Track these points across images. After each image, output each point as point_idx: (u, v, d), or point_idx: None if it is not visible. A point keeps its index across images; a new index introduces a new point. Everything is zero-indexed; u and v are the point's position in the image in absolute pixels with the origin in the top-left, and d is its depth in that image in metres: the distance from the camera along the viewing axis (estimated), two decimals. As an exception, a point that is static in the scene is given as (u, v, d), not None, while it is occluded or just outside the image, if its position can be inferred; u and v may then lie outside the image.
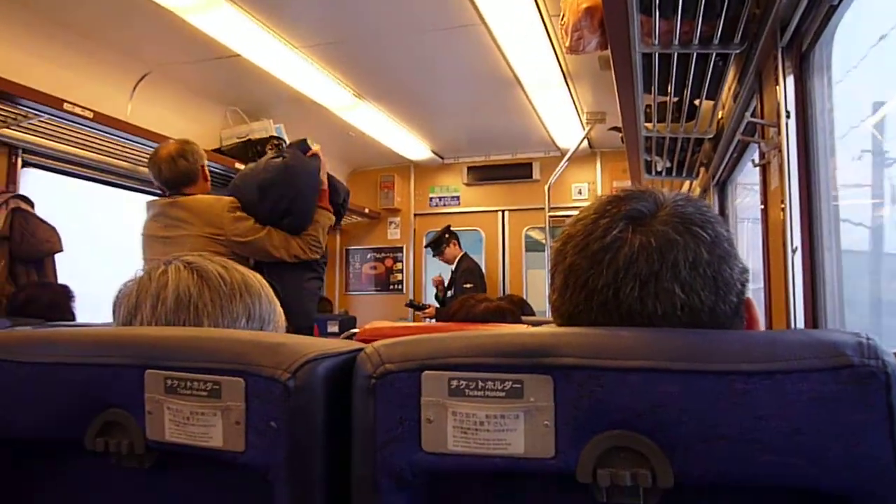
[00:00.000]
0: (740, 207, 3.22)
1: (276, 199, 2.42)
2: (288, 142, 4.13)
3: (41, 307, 2.54)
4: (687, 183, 3.48)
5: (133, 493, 0.70)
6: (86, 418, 0.67)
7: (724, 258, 0.66)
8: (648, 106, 2.36)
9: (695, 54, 1.77)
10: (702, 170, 3.09)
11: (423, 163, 5.63)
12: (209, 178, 2.53)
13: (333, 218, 2.61)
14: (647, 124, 2.49)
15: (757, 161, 1.83)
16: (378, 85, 3.82)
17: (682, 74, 1.94)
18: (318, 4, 2.84)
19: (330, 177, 2.66)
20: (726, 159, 2.63)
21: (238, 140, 4.00)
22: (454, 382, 0.56)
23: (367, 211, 5.62)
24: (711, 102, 2.19)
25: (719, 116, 2.39)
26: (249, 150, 3.93)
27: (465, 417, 0.56)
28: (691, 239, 0.65)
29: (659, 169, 3.12)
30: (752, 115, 1.93)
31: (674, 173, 3.12)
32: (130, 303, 0.89)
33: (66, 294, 2.72)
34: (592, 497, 0.54)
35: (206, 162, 2.55)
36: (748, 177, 2.79)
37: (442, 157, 5.58)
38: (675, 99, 2.17)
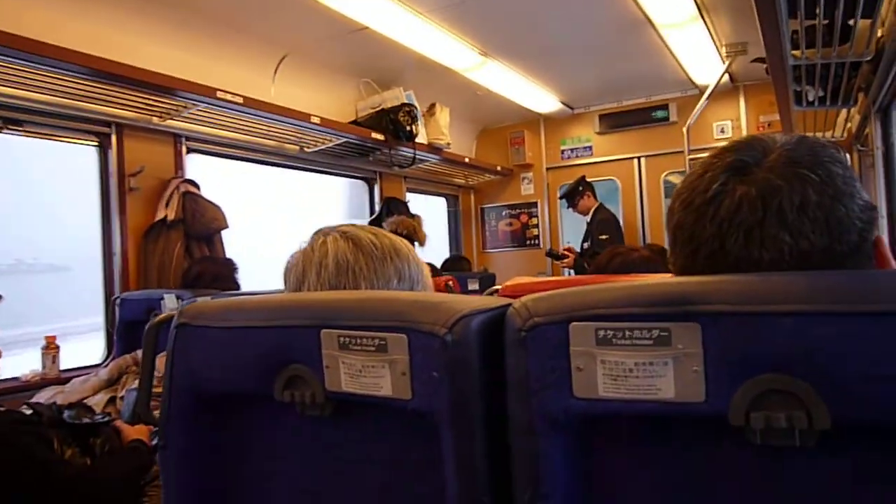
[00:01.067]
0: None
1: None
2: (418, 107, 4.27)
3: (210, 279, 2.84)
4: (844, 112, 3.19)
5: (317, 437, 0.80)
6: (273, 373, 0.77)
7: (836, 197, 0.65)
8: (795, 31, 2.18)
9: (847, -30, 1.62)
10: (860, 96, 2.82)
11: (553, 115, 5.53)
12: None
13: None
14: (794, 52, 2.31)
15: (927, 81, 1.66)
16: (503, 41, 3.79)
17: (832, -7, 1.78)
18: (439, -33, 2.86)
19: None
20: (888, 81, 2.38)
21: (372, 110, 4.16)
22: (601, 332, 0.59)
23: (498, 168, 5.64)
24: (869, 21, 1.99)
25: (879, 35, 2.17)
26: (383, 118, 4.08)
27: (613, 365, 0.58)
28: (798, 182, 0.65)
29: (811, 99, 2.88)
30: (920, 29, 1.74)
31: (828, 102, 2.87)
32: (298, 271, 1.00)
33: (230, 266, 3.01)
34: (745, 439, 0.55)
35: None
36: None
37: (572, 108, 5.46)
38: (826, 21, 1.99)
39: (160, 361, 1.35)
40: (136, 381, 2.28)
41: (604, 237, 4.81)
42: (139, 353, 2.46)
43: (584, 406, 0.60)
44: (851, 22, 2.03)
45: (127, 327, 2.80)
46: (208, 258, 3.13)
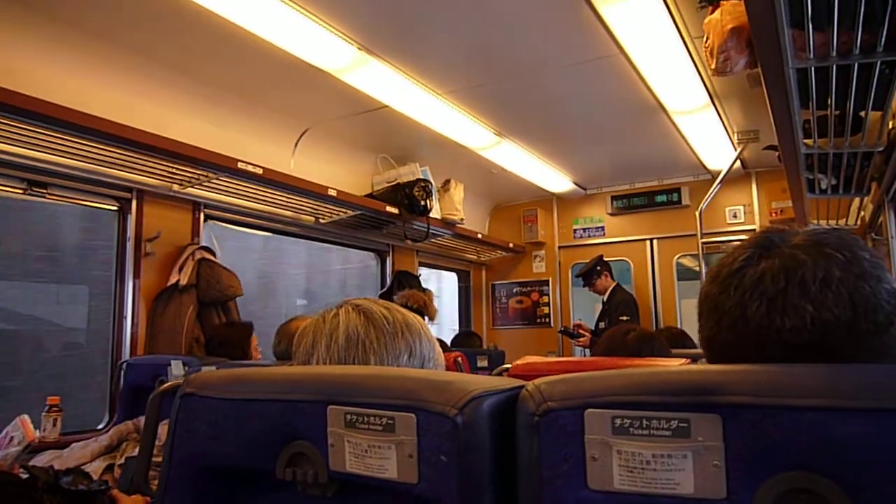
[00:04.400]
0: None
1: None
2: (433, 182, 4.32)
3: (216, 345, 2.83)
4: (857, 200, 3.19)
5: (318, 519, 0.76)
6: (276, 449, 0.74)
7: (861, 276, 0.65)
8: (807, 121, 2.21)
9: (856, 65, 1.65)
10: (873, 185, 2.83)
11: (566, 195, 5.60)
12: None
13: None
14: (806, 140, 2.33)
15: (940, 174, 1.66)
16: (518, 122, 3.88)
17: (843, 86, 1.81)
18: (459, 52, 2.96)
19: None
20: (902, 173, 2.39)
21: (388, 184, 4.23)
22: (618, 421, 0.57)
23: (511, 245, 5.67)
24: (879, 113, 2.02)
25: (889, 127, 2.19)
26: (398, 192, 4.14)
27: (630, 456, 0.56)
28: (822, 258, 0.66)
29: (823, 187, 2.90)
30: (931, 123, 1.76)
31: (840, 191, 2.88)
32: (307, 342, 0.99)
33: (242, 332, 3.00)
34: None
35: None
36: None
37: (584, 188, 5.53)
38: (837, 112, 2.03)
39: (163, 429, 1.33)
40: (137, 449, 2.24)
41: (624, 318, 4.76)
42: (141, 419, 2.42)
43: (598, 499, 0.57)
44: (863, 113, 2.07)
45: (131, 392, 2.76)
46: (228, 323, 3.14)
